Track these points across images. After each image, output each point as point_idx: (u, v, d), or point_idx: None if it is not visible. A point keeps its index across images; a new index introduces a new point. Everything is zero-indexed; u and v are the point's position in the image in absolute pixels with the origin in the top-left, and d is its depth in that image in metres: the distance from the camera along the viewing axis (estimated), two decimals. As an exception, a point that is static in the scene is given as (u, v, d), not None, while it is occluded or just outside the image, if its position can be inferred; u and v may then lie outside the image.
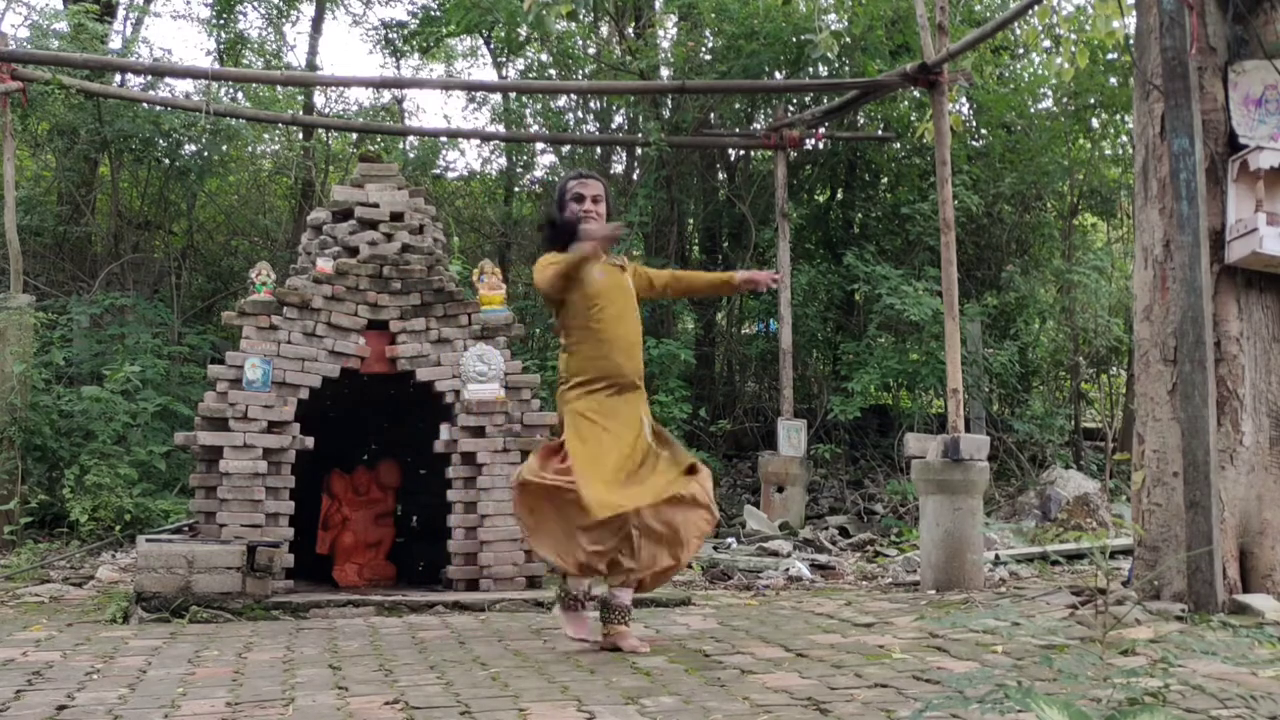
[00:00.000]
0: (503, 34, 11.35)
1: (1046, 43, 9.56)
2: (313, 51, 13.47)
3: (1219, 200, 4.65)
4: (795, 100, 10.01)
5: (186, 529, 5.85)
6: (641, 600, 5.38)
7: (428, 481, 6.28)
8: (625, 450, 3.92)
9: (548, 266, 3.99)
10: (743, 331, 11.76)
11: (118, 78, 10.70)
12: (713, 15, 10.29)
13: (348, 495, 6.23)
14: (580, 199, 4.12)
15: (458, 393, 5.78)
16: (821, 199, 11.79)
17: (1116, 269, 11.29)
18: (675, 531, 3.90)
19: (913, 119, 10.09)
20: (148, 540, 5.23)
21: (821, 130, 9.57)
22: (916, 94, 9.42)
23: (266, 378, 5.50)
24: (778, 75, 10.44)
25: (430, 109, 29.40)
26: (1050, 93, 10.86)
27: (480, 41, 12.98)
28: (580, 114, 11.69)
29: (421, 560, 6.40)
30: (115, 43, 11.92)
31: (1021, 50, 10.78)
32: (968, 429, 7.73)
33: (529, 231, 12.44)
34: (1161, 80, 4.63)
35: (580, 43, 11.47)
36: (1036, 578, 6.21)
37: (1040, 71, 10.87)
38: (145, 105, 9.83)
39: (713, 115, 10.67)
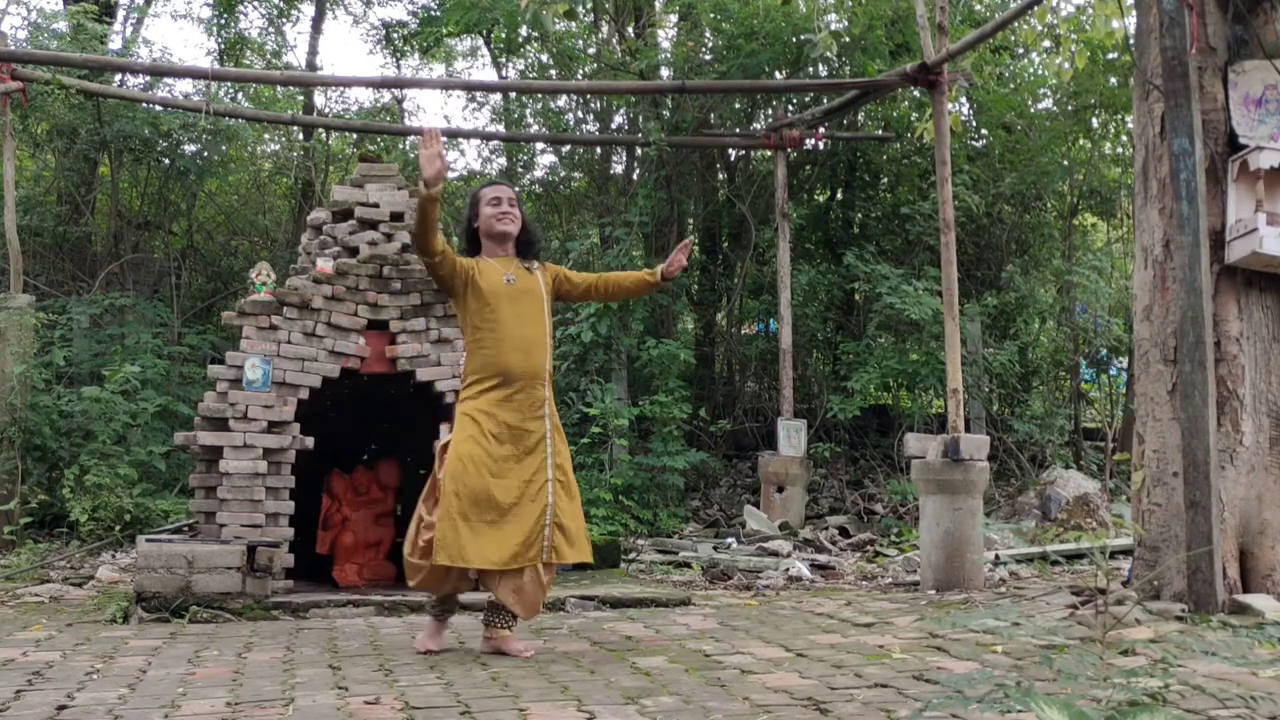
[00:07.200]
0: (502, 34, 11.35)
1: (1046, 43, 9.55)
2: (313, 51, 13.49)
3: (1219, 200, 4.65)
4: (795, 100, 10.00)
5: (186, 529, 5.85)
6: (642, 600, 5.39)
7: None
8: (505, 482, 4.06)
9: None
10: (743, 331, 11.76)
11: (117, 78, 10.71)
12: (712, 15, 10.28)
13: (348, 495, 6.22)
14: (497, 201, 4.19)
15: (458, 392, 5.76)
16: (821, 199, 11.78)
17: (1116, 269, 11.28)
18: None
19: (913, 119, 10.08)
20: (148, 540, 5.23)
21: (821, 130, 9.57)
22: (916, 94, 9.42)
23: (266, 378, 5.50)
24: (778, 75, 10.44)
25: (430, 109, 29.41)
26: (1050, 93, 10.86)
27: (480, 41, 12.98)
28: (580, 114, 11.69)
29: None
30: (115, 43, 11.92)
31: (1021, 50, 10.77)
32: (968, 429, 7.73)
33: (529, 231, 12.41)
34: (1161, 80, 4.63)
35: (580, 43, 11.46)
36: (1036, 578, 6.21)
37: (1040, 71, 10.86)
38: (145, 105, 9.82)
39: (713, 115, 10.67)
